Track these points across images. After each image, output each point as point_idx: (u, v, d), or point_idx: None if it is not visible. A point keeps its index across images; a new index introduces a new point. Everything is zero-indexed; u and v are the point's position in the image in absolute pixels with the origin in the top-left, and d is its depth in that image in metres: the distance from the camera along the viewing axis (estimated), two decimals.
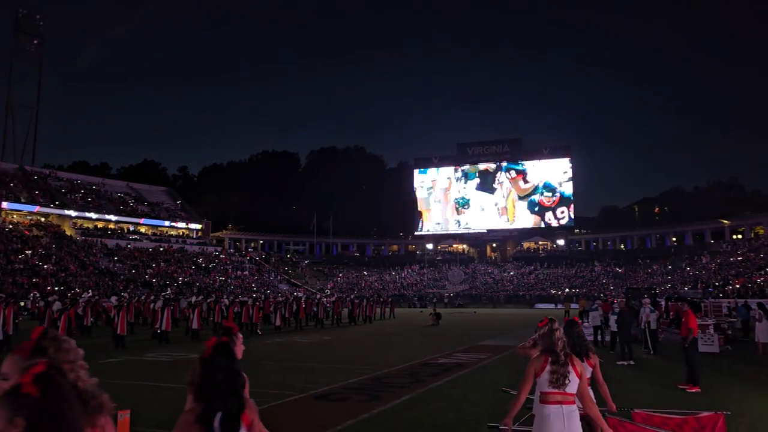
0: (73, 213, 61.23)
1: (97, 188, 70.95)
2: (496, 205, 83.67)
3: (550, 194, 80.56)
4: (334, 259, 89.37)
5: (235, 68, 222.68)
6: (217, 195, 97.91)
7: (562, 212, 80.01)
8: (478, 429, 7.77)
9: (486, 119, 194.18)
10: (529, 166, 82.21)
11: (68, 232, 57.75)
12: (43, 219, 58.70)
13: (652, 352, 17.39)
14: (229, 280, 59.77)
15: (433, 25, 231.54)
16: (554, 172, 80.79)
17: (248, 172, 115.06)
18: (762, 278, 43.76)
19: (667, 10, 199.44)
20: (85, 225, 61.91)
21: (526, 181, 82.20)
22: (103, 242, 57.54)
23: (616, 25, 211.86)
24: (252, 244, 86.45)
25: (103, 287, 45.32)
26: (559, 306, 52.07)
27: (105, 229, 62.97)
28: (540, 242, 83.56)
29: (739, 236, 73.06)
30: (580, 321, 6.26)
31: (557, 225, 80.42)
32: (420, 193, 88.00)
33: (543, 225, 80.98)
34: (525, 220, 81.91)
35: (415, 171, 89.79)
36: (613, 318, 17.98)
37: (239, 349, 3.65)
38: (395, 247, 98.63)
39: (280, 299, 36.01)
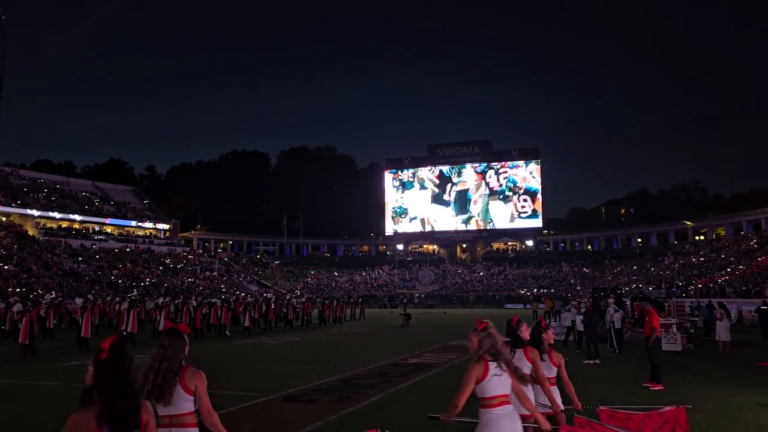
0: (35, 212, 59.79)
1: (61, 187, 69.37)
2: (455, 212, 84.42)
3: (513, 192, 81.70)
4: (304, 260, 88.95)
5: (205, 68, 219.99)
6: (186, 195, 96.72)
7: (524, 202, 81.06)
8: (447, 429, 7.80)
9: (456, 121, 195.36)
10: (498, 168, 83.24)
11: (31, 232, 56.35)
12: (4, 218, 57.15)
13: (617, 351, 17.68)
14: (197, 281, 59.02)
15: (401, 28, 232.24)
16: (523, 175, 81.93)
17: (217, 171, 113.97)
18: (723, 278, 44.89)
19: (635, 14, 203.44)
20: (49, 225, 60.51)
21: (492, 182, 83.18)
22: (67, 242, 56.32)
23: (583, 29, 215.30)
24: (221, 245, 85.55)
25: (67, 289, 44.31)
26: (528, 306, 52.66)
27: (69, 229, 61.64)
28: (509, 243, 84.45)
29: (702, 237, 74.91)
30: (544, 322, 6.34)
31: (521, 216, 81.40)
32: (390, 194, 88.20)
33: (510, 224, 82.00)
34: (494, 219, 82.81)
35: (386, 172, 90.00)
36: (579, 318, 18.24)
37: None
38: (366, 247, 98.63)
39: (250, 300, 35.75)
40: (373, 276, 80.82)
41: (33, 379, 12.83)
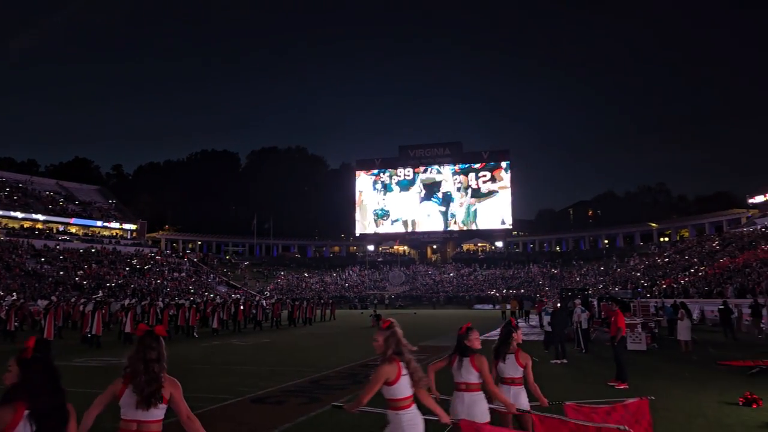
0: None
1: (24, 186, 67.76)
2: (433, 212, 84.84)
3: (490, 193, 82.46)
4: (274, 261, 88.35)
5: (174, 67, 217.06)
6: (154, 195, 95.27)
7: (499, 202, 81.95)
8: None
9: (427, 122, 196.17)
10: (478, 168, 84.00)
11: None
12: None
13: (584, 351, 17.93)
14: (165, 282, 58.14)
15: (372, 30, 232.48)
16: (493, 175, 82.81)
17: (187, 171, 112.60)
18: (686, 279, 45.91)
19: (604, 19, 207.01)
20: (11, 225, 59.05)
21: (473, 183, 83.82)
22: (30, 243, 55.02)
23: (551, 34, 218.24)
24: (190, 245, 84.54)
25: (30, 290, 43.26)
26: (497, 307, 53.13)
27: (32, 229, 60.22)
28: (479, 244, 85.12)
29: (666, 239, 76.59)
30: (515, 321, 6.37)
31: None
32: (360, 195, 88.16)
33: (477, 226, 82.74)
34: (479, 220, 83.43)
35: (357, 172, 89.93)
36: (546, 318, 18.47)
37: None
38: (336, 248, 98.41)
39: (218, 301, 35.37)
40: (344, 277, 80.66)
41: None
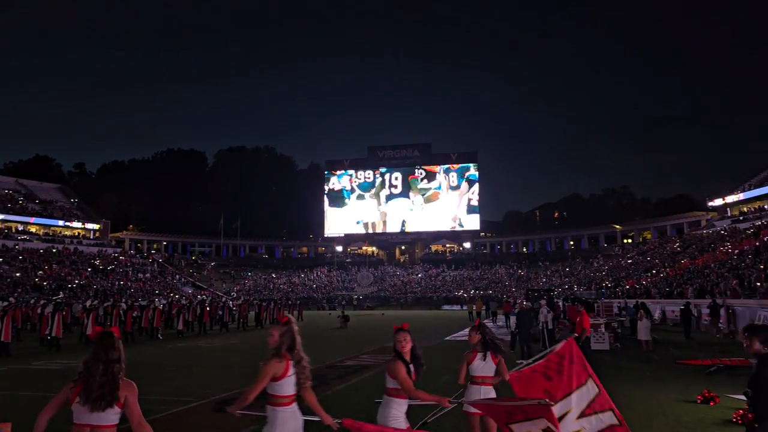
0: None
1: None
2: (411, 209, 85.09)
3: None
4: (241, 261, 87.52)
5: (140, 63, 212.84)
6: (118, 194, 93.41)
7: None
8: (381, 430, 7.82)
9: (396, 124, 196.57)
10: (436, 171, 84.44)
11: None
12: None
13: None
14: (129, 283, 57.08)
15: (340, 30, 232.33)
16: (461, 177, 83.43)
17: (152, 170, 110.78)
18: (648, 280, 46.91)
19: (568, 23, 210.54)
20: None
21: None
22: None
23: (517, 36, 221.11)
24: (155, 246, 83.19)
25: None
26: (464, 307, 53.52)
27: None
28: (447, 245, 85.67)
29: (629, 240, 78.18)
30: (479, 321, 6.35)
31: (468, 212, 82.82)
32: (330, 195, 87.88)
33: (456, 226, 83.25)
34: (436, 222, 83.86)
35: (326, 173, 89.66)
36: (513, 318, 18.70)
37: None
38: (305, 249, 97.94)
39: (184, 302, 34.90)
40: (312, 278, 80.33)
41: None
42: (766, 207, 55.06)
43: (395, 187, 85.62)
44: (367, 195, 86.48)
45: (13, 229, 61.53)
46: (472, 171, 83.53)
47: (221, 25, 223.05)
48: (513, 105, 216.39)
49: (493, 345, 5.75)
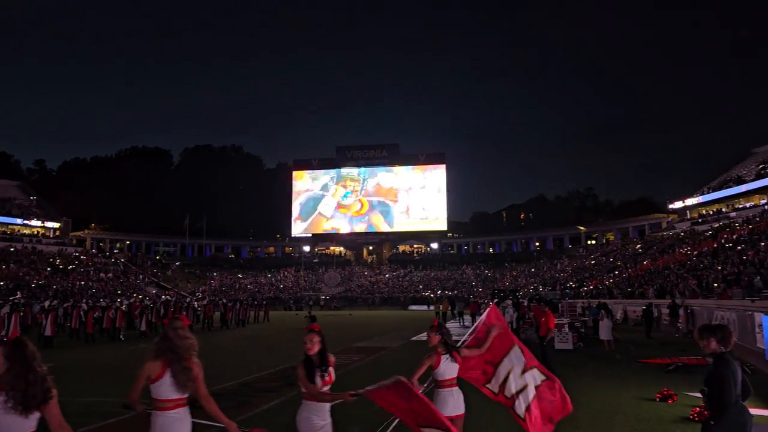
0: None
1: None
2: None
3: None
4: (207, 261, 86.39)
5: (102, 55, 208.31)
6: (80, 192, 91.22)
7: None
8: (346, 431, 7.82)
9: (364, 124, 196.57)
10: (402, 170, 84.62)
11: None
12: None
13: None
14: (90, 283, 55.85)
15: (309, 29, 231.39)
16: (429, 178, 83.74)
17: (115, 168, 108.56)
18: (611, 280, 47.83)
19: (536, 24, 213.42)
20: None
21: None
22: None
23: (482, 38, 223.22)
24: (118, 245, 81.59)
25: None
26: (431, 307, 53.78)
27: None
28: (415, 245, 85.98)
29: (593, 242, 79.62)
30: (437, 321, 6.19)
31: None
32: (297, 195, 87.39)
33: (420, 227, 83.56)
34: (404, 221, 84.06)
35: (294, 172, 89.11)
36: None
37: None
38: (271, 249, 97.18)
39: (147, 303, 34.30)
40: (279, 278, 79.78)
41: None
42: (723, 210, 56.66)
43: (364, 187, 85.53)
44: (335, 195, 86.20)
45: None
46: (440, 172, 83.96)
47: (187, 23, 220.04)
48: (478, 107, 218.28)
49: (453, 344, 5.63)
